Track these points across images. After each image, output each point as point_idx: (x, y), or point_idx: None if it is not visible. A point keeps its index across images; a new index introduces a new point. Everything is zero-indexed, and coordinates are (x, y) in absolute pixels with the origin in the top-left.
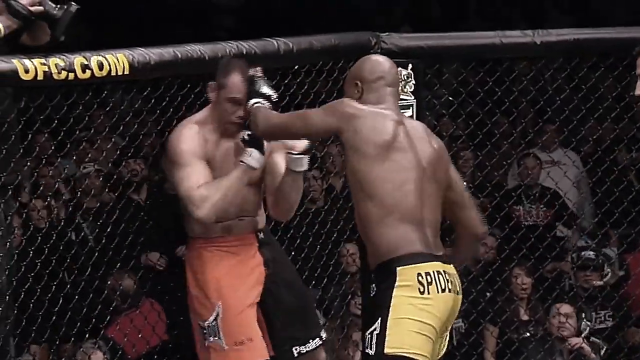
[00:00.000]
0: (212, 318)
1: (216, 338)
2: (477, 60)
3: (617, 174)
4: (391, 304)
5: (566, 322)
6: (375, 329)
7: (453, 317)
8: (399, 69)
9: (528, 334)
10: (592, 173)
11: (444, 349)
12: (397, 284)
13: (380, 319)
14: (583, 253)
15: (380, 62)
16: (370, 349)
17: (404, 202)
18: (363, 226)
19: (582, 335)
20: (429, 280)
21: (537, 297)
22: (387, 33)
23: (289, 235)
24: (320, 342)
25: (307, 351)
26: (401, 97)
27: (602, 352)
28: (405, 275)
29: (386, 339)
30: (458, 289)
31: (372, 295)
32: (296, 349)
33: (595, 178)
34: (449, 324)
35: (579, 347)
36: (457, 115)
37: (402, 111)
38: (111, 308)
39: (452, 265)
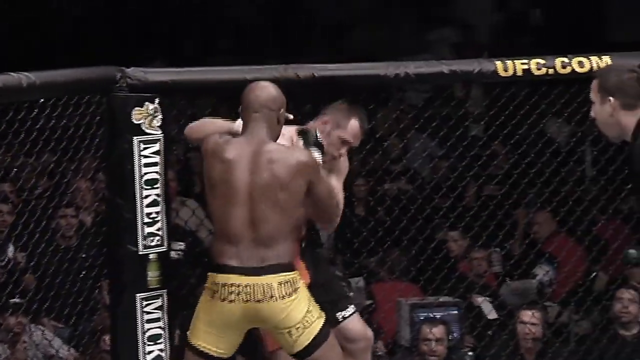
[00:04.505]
0: None
1: None
2: (228, 95)
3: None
4: (199, 301)
5: None
6: None
7: (267, 322)
8: (146, 103)
9: None
10: None
11: (304, 343)
12: (205, 285)
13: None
14: None
15: (248, 90)
16: None
17: (226, 223)
18: None
19: None
20: (217, 289)
21: None
22: (131, 68)
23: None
24: (356, 309)
25: (349, 315)
26: (147, 131)
27: None
28: (209, 280)
29: (190, 326)
30: (258, 298)
31: None
32: (339, 314)
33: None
34: (268, 325)
35: None
36: None
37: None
38: None
39: (263, 276)
